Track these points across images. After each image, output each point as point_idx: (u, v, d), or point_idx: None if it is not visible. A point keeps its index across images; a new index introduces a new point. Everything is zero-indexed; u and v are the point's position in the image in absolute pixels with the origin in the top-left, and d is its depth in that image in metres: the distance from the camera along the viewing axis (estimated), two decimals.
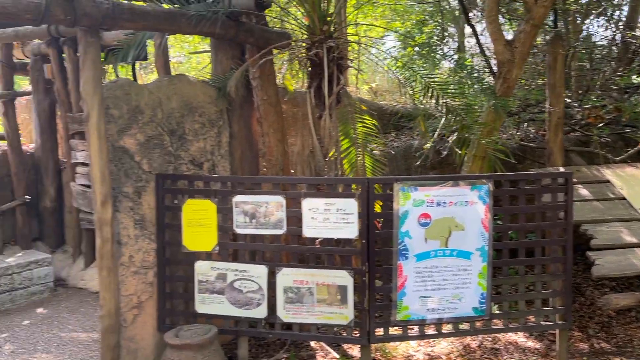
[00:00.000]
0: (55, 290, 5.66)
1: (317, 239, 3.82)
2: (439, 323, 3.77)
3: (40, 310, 5.18)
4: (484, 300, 3.77)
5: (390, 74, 7.12)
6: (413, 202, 3.63)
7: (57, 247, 6.49)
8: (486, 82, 4.63)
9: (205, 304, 3.87)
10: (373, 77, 9.71)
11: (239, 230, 3.81)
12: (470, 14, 6.75)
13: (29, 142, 6.89)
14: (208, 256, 3.88)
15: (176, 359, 3.47)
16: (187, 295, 3.92)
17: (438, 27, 9.34)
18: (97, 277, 4.63)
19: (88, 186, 5.57)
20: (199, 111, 4.18)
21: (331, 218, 3.66)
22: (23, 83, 7.89)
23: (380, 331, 3.75)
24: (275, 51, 4.82)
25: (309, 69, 4.26)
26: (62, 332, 4.62)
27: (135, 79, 5.26)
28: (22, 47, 6.27)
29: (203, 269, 3.86)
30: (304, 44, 4.32)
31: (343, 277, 3.65)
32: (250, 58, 4.56)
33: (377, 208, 3.86)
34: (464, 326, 3.90)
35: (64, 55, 5.71)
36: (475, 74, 4.63)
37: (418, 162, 5.83)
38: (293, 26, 5.13)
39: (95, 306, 5.16)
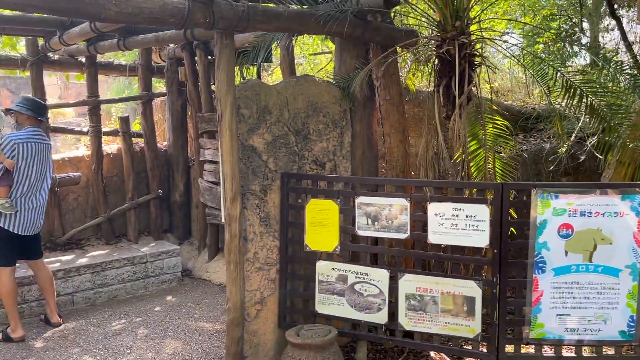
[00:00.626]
0: (182, 280, 6.02)
1: (441, 245, 3.64)
2: (578, 345, 3.41)
3: (169, 298, 5.53)
4: (632, 324, 3.35)
5: (517, 72, 6.68)
6: (553, 210, 3.31)
7: (184, 239, 6.92)
8: (638, 78, 4.12)
9: (325, 305, 3.85)
10: (495, 75, 9.21)
11: (360, 232, 3.74)
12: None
13: (162, 140, 7.43)
14: (329, 256, 3.86)
15: (297, 358, 3.48)
16: (307, 294, 3.94)
17: (568, 22, 8.62)
18: (222, 271, 4.82)
19: (215, 183, 5.87)
20: (323, 111, 4.19)
21: (459, 224, 3.46)
22: (158, 85, 8.53)
23: (510, 348, 3.48)
24: (398, 50, 4.70)
25: (437, 67, 4.08)
26: (188, 320, 4.89)
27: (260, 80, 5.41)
28: (159, 51, 6.76)
29: (324, 269, 3.85)
30: (432, 41, 4.15)
31: (471, 288, 3.44)
32: (374, 57, 4.49)
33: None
34: (608, 351, 3.49)
35: (196, 58, 6.06)
36: (627, 70, 4.14)
37: (551, 167, 5.38)
38: (419, 22, 4.96)
39: (219, 298, 5.40)
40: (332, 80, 4.48)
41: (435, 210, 3.51)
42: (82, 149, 6.59)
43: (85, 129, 6.38)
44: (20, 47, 6.32)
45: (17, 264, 4.55)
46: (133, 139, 6.58)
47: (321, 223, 3.84)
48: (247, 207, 3.83)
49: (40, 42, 5.77)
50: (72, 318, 4.99)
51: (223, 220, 3.75)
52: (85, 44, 5.91)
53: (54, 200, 5.90)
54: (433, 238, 3.54)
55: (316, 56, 10.24)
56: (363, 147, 4.56)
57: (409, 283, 3.60)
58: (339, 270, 3.82)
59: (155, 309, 5.21)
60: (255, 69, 6.20)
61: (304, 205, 3.88)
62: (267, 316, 3.94)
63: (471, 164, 4.20)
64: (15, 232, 4.39)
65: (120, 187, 6.54)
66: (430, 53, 4.17)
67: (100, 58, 6.48)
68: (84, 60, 6.24)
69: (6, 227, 4.35)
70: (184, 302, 5.39)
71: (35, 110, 4.51)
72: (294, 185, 3.95)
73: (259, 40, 4.39)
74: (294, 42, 6.11)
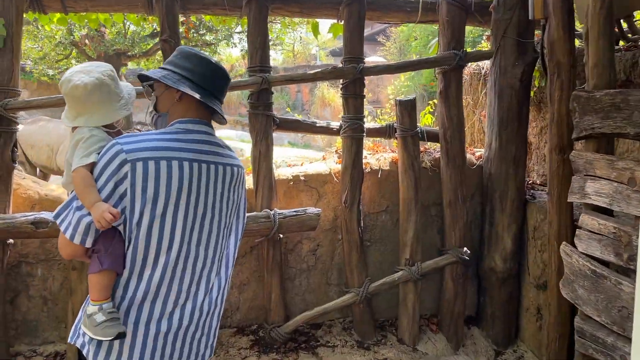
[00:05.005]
0: None
1: None
2: None
3: None
4: None
5: None
6: None
7: (505, 344, 3.56)
8: None
9: None
10: None
11: None
12: None
13: (473, 146, 4.18)
14: None
15: None
16: None
17: None
18: None
19: (605, 263, 2.38)
20: None
21: None
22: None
23: None
24: None
25: None
26: None
27: None
28: None
29: None
30: None
31: None
32: None
33: None
34: None
35: None
36: None
37: None
38: None
39: None
40: None
41: None
42: (331, 159, 3.84)
43: (335, 126, 3.54)
44: None
45: None
46: (422, 143, 3.51)
47: None
48: None
49: None
50: None
51: None
52: None
53: (268, 254, 3.24)
54: None
55: None
56: None
57: None
58: None
59: None
60: None
61: None
62: None
63: None
64: None
65: (392, 235, 3.56)
66: None
67: None
68: None
69: None
70: None
71: (202, 82, 1.78)
72: None
73: None
74: None
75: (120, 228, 1.64)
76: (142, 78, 1.90)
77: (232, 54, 20.11)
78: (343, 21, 3.39)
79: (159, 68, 1.84)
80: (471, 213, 3.59)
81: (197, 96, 1.72)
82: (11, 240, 2.96)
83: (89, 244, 1.63)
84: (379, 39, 19.52)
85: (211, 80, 1.79)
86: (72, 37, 12.60)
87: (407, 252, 3.37)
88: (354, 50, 3.33)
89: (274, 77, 3.17)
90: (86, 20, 3.36)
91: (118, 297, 1.66)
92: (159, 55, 13.85)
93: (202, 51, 1.85)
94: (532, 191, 3.55)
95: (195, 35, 13.15)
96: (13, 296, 3.13)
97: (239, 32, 12.92)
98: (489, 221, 3.56)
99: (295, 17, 3.65)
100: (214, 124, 1.89)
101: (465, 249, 3.41)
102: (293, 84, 3.56)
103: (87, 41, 13.05)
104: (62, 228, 1.65)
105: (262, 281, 3.36)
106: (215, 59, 1.85)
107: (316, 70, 3.30)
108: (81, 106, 1.77)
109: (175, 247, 1.67)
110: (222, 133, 15.91)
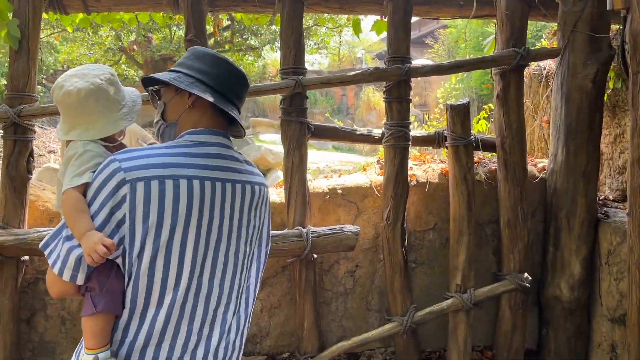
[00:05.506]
0: None
1: None
2: None
3: None
4: None
5: None
6: None
7: None
8: None
9: None
10: None
11: None
12: None
13: (534, 156, 3.76)
14: None
15: None
16: None
17: None
18: None
19: None
20: None
21: None
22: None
23: None
24: None
25: None
26: None
27: None
28: None
29: None
30: None
31: None
32: None
33: None
34: None
35: None
36: None
37: None
38: None
39: None
40: None
41: None
42: (372, 170, 3.50)
43: (376, 133, 3.19)
44: None
45: None
46: (476, 153, 3.13)
47: None
48: None
49: None
50: None
51: None
52: None
53: (301, 276, 2.93)
54: None
55: None
56: None
57: None
58: None
59: None
60: None
61: None
62: None
63: None
64: None
65: (440, 256, 3.19)
66: None
67: None
68: None
69: None
70: None
71: (218, 85, 1.50)
72: None
73: None
74: None
75: (119, 261, 1.37)
76: (147, 82, 1.63)
77: (277, 58, 20.06)
78: (387, 17, 3.06)
79: (168, 70, 1.56)
80: (532, 233, 3.16)
81: (210, 99, 1.44)
82: (26, 257, 2.79)
83: (80, 280, 1.36)
84: (426, 42, 18.99)
85: (228, 83, 1.50)
86: (120, 43, 12.75)
87: (458, 277, 2.98)
88: (399, 49, 2.98)
89: (309, 79, 2.86)
90: (108, 23, 3.17)
91: (117, 341, 1.38)
92: None
93: (210, 50, 1.57)
94: (604, 209, 3.10)
95: (240, 39, 13.05)
96: (29, 315, 2.96)
97: None
98: (553, 243, 3.12)
99: (334, 13, 3.35)
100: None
101: (525, 274, 3.00)
102: (330, 87, 3.26)
103: (135, 47, 13.19)
104: (50, 261, 1.40)
105: (294, 304, 3.05)
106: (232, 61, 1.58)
107: (355, 72, 2.97)
108: (75, 116, 1.51)
109: (184, 283, 1.38)
110: (267, 137, 15.78)
